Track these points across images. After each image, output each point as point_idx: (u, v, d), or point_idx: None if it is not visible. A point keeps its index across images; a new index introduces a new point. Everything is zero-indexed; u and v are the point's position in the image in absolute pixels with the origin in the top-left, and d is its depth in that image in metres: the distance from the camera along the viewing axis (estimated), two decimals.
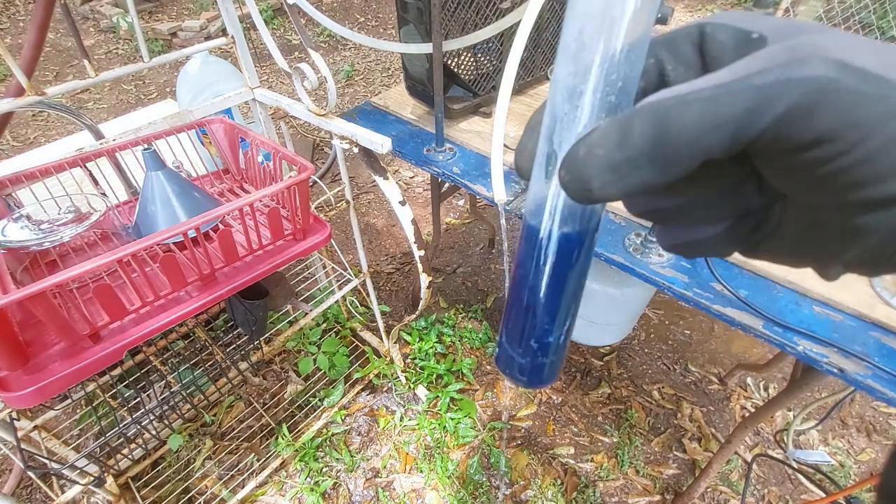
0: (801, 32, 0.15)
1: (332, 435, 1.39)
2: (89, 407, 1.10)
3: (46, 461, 0.88)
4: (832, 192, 0.15)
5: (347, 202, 1.11)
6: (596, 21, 0.15)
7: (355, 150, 0.94)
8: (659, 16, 0.69)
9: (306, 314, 1.17)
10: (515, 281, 0.21)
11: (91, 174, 0.87)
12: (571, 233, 0.19)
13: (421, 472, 1.31)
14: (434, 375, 1.51)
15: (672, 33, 0.19)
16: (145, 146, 0.83)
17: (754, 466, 1.32)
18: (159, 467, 1.29)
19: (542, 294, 0.21)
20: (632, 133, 0.15)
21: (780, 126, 0.14)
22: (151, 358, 1.15)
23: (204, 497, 1.22)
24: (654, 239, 0.78)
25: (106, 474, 1.08)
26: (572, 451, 1.37)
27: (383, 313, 1.71)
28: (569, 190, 0.16)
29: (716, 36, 0.17)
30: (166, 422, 1.07)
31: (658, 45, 0.19)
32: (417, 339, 1.60)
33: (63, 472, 0.90)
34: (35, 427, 0.88)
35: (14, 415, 0.83)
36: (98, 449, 0.92)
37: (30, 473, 0.80)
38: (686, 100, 0.14)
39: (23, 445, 0.81)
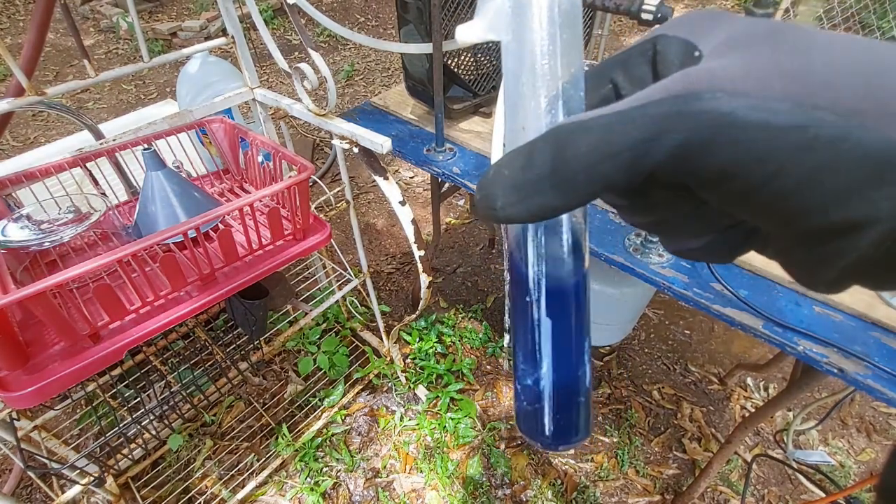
0: (737, 47, 0.14)
1: (332, 435, 1.39)
2: (89, 407, 1.10)
3: (46, 461, 0.88)
4: (778, 221, 0.14)
5: (347, 202, 1.11)
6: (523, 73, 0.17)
7: (355, 150, 0.94)
8: (659, 15, 0.68)
9: (306, 314, 1.17)
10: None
11: (91, 174, 0.87)
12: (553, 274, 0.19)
13: (421, 472, 1.31)
14: (434, 375, 1.51)
15: (629, 51, 0.18)
16: (145, 146, 0.83)
17: (754, 466, 1.32)
18: (159, 467, 1.29)
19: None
20: (535, 156, 0.15)
21: (677, 160, 0.13)
22: (151, 358, 1.15)
23: (204, 497, 1.22)
24: (655, 239, 0.79)
25: (106, 474, 1.08)
26: (572, 451, 1.37)
27: (383, 313, 1.70)
28: (478, 209, 0.16)
29: (665, 54, 0.17)
30: (166, 422, 1.07)
31: (614, 66, 0.18)
32: (417, 339, 1.60)
33: (63, 472, 0.90)
34: (35, 427, 0.88)
35: (14, 415, 0.83)
36: (98, 449, 0.92)
37: (30, 473, 0.80)
38: (585, 126, 0.14)
39: (23, 445, 0.81)
